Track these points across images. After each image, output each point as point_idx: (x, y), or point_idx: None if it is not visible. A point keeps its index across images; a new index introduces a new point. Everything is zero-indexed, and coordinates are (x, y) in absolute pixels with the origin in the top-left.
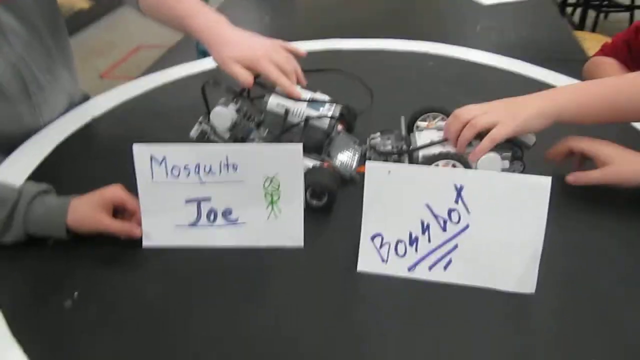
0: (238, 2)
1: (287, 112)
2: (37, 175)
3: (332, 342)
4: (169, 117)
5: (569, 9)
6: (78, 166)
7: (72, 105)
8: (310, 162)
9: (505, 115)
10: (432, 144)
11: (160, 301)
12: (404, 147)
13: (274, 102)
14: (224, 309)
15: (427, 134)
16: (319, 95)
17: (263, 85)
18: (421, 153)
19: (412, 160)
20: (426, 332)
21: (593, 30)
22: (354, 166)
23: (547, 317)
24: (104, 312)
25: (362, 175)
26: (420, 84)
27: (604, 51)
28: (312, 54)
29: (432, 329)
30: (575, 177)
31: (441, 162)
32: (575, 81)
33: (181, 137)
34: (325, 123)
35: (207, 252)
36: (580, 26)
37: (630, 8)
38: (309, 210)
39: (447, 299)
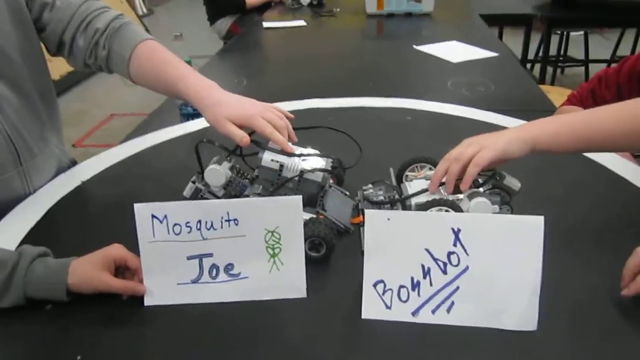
0: (216, 67)
1: (281, 166)
2: (30, 239)
3: None
4: (159, 178)
5: (529, 65)
6: (70, 230)
7: (60, 170)
8: (307, 215)
9: (486, 143)
10: (422, 191)
11: None
12: (396, 196)
13: (268, 158)
14: None
15: (417, 183)
16: (311, 151)
17: (257, 142)
18: (414, 201)
19: (405, 209)
20: None
21: (552, 84)
22: (347, 217)
23: (551, 353)
24: None
25: (356, 225)
26: (401, 137)
27: (571, 100)
28: (294, 113)
29: None
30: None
31: (434, 209)
32: None
33: (173, 197)
34: (319, 177)
35: (210, 307)
36: (541, 80)
37: (585, 62)
38: (308, 261)
39: (452, 340)
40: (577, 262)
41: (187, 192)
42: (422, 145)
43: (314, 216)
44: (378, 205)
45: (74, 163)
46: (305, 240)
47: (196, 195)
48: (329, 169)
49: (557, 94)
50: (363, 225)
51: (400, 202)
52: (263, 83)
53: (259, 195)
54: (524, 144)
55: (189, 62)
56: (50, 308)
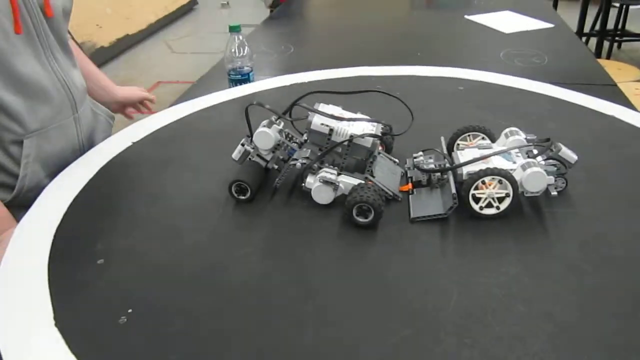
0: (262, 34)
1: (331, 131)
2: (85, 193)
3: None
4: (208, 141)
5: (584, 39)
6: (122, 186)
7: (98, 123)
8: (355, 181)
9: None
10: (475, 160)
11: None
12: (447, 164)
13: (318, 122)
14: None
15: (469, 152)
16: (361, 116)
17: (308, 107)
18: (465, 170)
19: (456, 178)
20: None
21: (608, 58)
22: (396, 185)
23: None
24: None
25: (405, 193)
26: (452, 107)
27: None
28: (343, 80)
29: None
30: None
31: (487, 179)
32: (604, 103)
33: (221, 159)
34: (368, 142)
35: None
36: (597, 55)
37: None
38: (355, 227)
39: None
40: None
41: (235, 154)
42: (474, 116)
43: (363, 182)
44: (428, 172)
45: (112, 118)
46: (353, 205)
47: (245, 158)
48: (379, 134)
49: (614, 69)
50: (412, 193)
51: (451, 170)
52: (310, 51)
53: (308, 159)
54: None
55: (237, 28)
56: (102, 262)
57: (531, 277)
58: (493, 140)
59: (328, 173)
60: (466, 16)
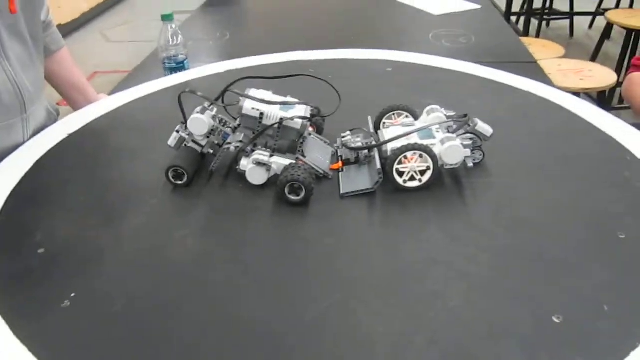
0: (198, 21)
1: (262, 114)
2: (21, 187)
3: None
4: (145, 129)
5: (514, 18)
6: (59, 179)
7: (50, 119)
8: (287, 161)
9: None
10: (398, 137)
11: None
12: (373, 142)
13: (249, 106)
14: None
15: (393, 130)
16: (290, 99)
17: (238, 93)
18: (389, 146)
19: (381, 154)
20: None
21: (537, 36)
22: (327, 164)
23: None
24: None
25: (335, 171)
26: (381, 88)
27: (636, 66)
28: (278, 65)
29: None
30: None
31: (409, 154)
32: (523, 80)
33: (158, 147)
34: (298, 124)
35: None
36: (525, 33)
37: (570, 15)
38: (288, 205)
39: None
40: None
41: (171, 141)
42: (401, 96)
43: (294, 162)
44: (355, 150)
45: (58, 113)
46: (285, 184)
47: (181, 144)
48: (308, 116)
49: (539, 46)
50: (342, 171)
51: (375, 147)
52: (246, 37)
53: (241, 142)
54: None
55: (169, 16)
56: (43, 252)
57: (450, 242)
58: (416, 118)
59: (261, 155)
60: None
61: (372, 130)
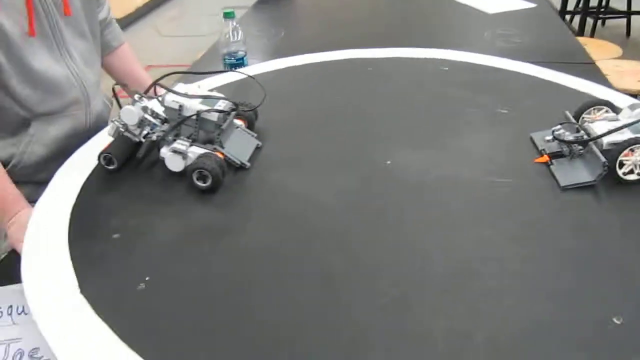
0: (253, 18)
1: (181, 107)
2: (93, 178)
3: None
4: None
5: (568, 17)
6: (127, 170)
7: (106, 110)
8: (201, 150)
9: None
10: (614, 130)
11: None
12: (585, 136)
13: (170, 99)
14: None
15: (599, 124)
16: (214, 94)
17: (165, 87)
18: (605, 140)
19: (598, 147)
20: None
21: (592, 36)
22: (247, 155)
23: None
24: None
25: (547, 164)
26: (436, 87)
27: None
28: (335, 63)
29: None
30: None
31: (636, 147)
32: (581, 81)
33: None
34: (214, 117)
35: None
36: (580, 32)
37: (627, 14)
38: (198, 191)
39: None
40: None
41: (109, 130)
42: (456, 95)
43: (209, 152)
44: (568, 144)
45: (112, 103)
46: (193, 171)
47: (117, 134)
48: (225, 110)
49: (594, 46)
50: (551, 164)
51: (592, 141)
52: (301, 34)
53: (163, 132)
54: None
55: (231, 14)
56: (118, 237)
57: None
58: (617, 113)
59: (179, 144)
60: None
61: (578, 125)
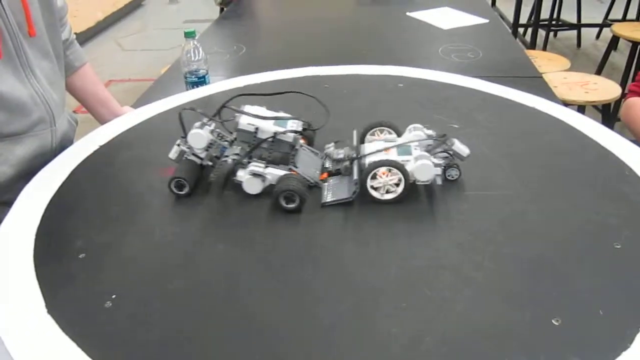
0: (214, 34)
1: (257, 129)
2: (59, 197)
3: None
4: (171, 141)
5: (521, 30)
6: (93, 188)
7: (71, 130)
8: (281, 172)
9: None
10: (376, 151)
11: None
12: (354, 155)
13: (245, 122)
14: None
15: (374, 145)
16: (283, 115)
17: (235, 109)
18: (367, 160)
19: (361, 167)
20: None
21: (544, 48)
22: (317, 174)
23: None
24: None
25: (324, 181)
26: (393, 103)
27: (634, 92)
28: (295, 80)
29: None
30: None
31: (381, 169)
32: (528, 96)
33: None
34: (290, 137)
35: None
36: (532, 45)
37: (577, 27)
38: (283, 212)
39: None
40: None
41: (172, 154)
42: (410, 111)
43: (288, 172)
44: (337, 162)
45: (76, 122)
46: (281, 193)
47: (181, 157)
48: (299, 130)
49: (545, 59)
50: (326, 182)
51: (354, 160)
52: (262, 50)
53: (237, 155)
54: None
55: (192, 34)
56: (83, 257)
57: (454, 248)
58: (399, 135)
59: (256, 166)
60: (408, 13)
61: (355, 144)
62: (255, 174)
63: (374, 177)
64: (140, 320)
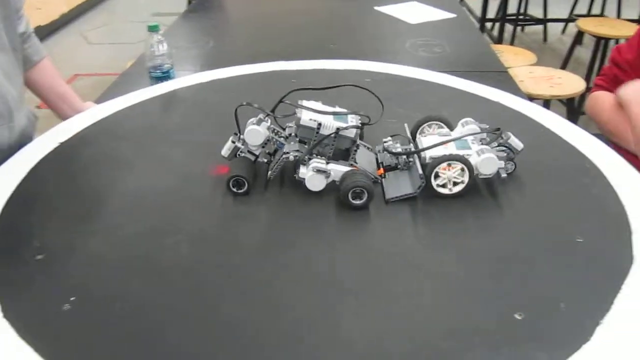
0: (182, 28)
1: (319, 125)
2: (18, 195)
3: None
4: (134, 138)
5: (489, 24)
6: (53, 186)
7: (30, 126)
8: (344, 168)
9: None
10: (436, 145)
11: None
12: (412, 148)
13: (307, 117)
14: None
15: (430, 139)
16: (340, 109)
17: (293, 104)
18: (428, 154)
19: (420, 161)
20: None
21: (512, 43)
22: (374, 168)
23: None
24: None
25: (382, 176)
26: (359, 99)
27: (599, 85)
28: (262, 75)
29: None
30: None
31: (444, 164)
32: (494, 90)
33: (145, 156)
34: (352, 132)
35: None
36: (499, 39)
37: (543, 21)
38: (351, 209)
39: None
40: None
41: (225, 151)
42: (378, 107)
43: (350, 169)
44: (396, 156)
45: (36, 118)
46: (350, 190)
47: (234, 154)
48: (359, 125)
49: (511, 54)
50: (384, 177)
51: (417, 153)
52: (228, 44)
53: (298, 151)
54: None
55: (155, 27)
56: (41, 258)
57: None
58: (451, 129)
59: (319, 163)
60: (376, 7)
61: (409, 137)
62: (320, 171)
63: (437, 175)
64: (100, 323)
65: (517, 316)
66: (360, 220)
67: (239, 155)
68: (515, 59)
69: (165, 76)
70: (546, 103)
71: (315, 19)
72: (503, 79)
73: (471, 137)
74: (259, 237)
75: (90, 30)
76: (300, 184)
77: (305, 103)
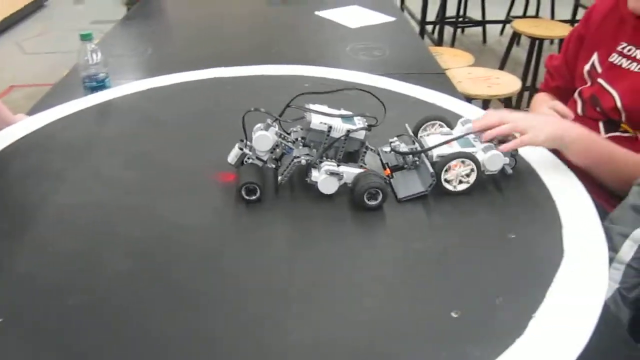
0: (120, 35)
1: (330, 128)
2: None
3: None
4: (68, 150)
5: (429, 27)
6: None
7: None
8: (355, 170)
9: (535, 127)
10: (442, 143)
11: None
12: (418, 147)
13: (317, 121)
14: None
15: (434, 138)
16: (346, 112)
17: (302, 107)
18: (435, 152)
19: (428, 159)
20: None
21: (452, 45)
22: (381, 169)
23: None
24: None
25: (390, 176)
26: (298, 103)
27: (545, 87)
28: (200, 82)
29: None
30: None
31: (454, 161)
32: (432, 93)
33: (82, 169)
34: (362, 134)
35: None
36: (440, 42)
37: (482, 23)
38: (366, 210)
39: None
40: None
41: (232, 158)
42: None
43: (362, 170)
44: (402, 155)
45: None
46: (366, 191)
47: (241, 161)
48: (367, 127)
49: (450, 55)
50: (392, 177)
51: (423, 152)
52: (168, 51)
53: (308, 155)
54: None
55: (88, 36)
56: None
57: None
58: (451, 128)
59: (331, 165)
60: (316, 12)
61: (412, 137)
62: (333, 173)
63: (446, 170)
64: (30, 342)
65: (453, 314)
66: (376, 219)
67: (245, 161)
68: (454, 60)
69: (100, 86)
70: (485, 103)
71: (256, 25)
72: (441, 81)
73: (473, 136)
74: (277, 243)
75: (27, 40)
76: (311, 187)
77: (312, 107)
